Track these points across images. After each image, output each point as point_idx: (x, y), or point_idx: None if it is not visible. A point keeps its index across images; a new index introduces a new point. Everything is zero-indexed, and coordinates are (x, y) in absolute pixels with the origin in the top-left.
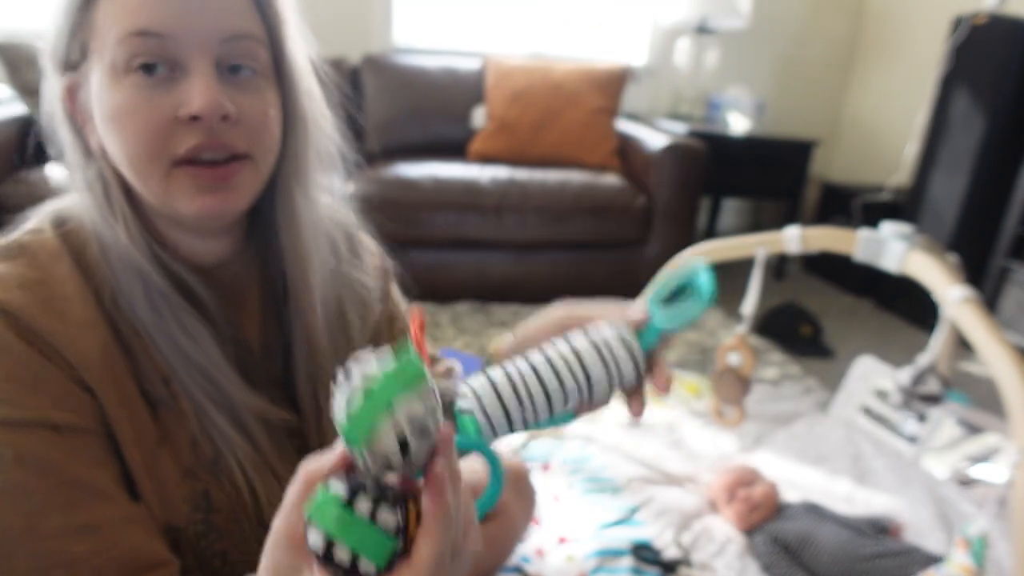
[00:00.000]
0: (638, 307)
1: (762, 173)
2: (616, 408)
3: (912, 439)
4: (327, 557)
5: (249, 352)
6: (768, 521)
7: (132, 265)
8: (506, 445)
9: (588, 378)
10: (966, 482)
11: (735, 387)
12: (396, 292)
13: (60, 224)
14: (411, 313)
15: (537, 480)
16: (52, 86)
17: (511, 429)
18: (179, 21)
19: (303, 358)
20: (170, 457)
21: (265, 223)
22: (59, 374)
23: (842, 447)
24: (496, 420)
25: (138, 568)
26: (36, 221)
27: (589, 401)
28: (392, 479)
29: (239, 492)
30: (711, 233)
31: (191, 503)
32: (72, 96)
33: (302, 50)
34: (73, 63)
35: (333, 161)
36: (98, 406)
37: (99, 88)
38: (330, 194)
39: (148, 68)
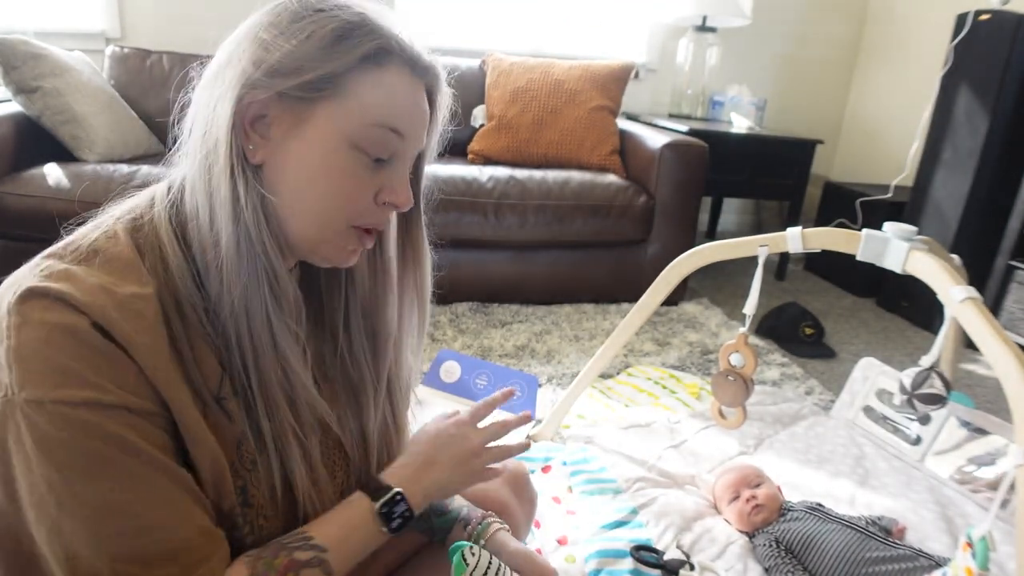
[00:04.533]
0: None
1: (763, 172)
2: (616, 409)
3: (915, 440)
4: None
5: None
6: (770, 523)
7: (264, 268)
8: None
9: None
10: (969, 484)
11: (736, 388)
12: None
13: (134, 230)
14: None
15: (537, 481)
16: (232, 90)
17: None
18: (415, 132)
19: (346, 373)
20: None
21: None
22: (134, 367)
23: (844, 448)
24: None
25: (211, 538)
26: (109, 225)
27: None
28: None
29: (273, 489)
30: (712, 233)
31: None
32: (245, 108)
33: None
34: (281, 91)
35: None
36: (164, 403)
37: (318, 142)
38: None
39: (378, 159)
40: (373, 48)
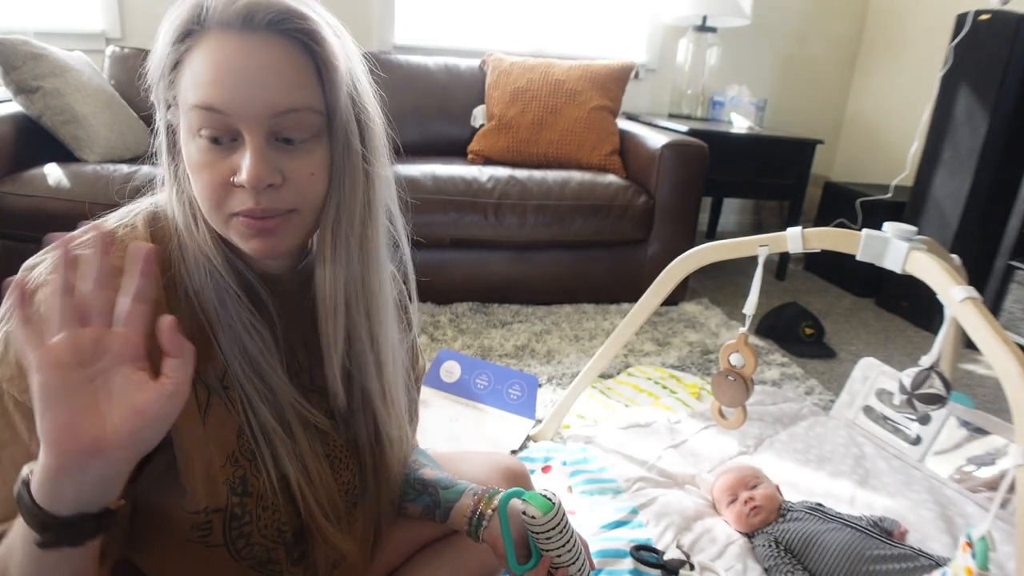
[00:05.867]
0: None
1: (763, 172)
2: (616, 409)
3: (915, 440)
4: None
5: (295, 358)
6: (769, 523)
7: (206, 267)
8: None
9: None
10: (969, 484)
11: (736, 388)
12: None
13: (152, 222)
14: None
15: (537, 482)
16: (160, 114)
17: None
18: (236, 99)
19: (344, 373)
20: (216, 442)
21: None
22: None
23: (844, 448)
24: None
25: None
26: (132, 216)
27: None
28: None
29: (272, 481)
30: (712, 233)
31: (230, 486)
32: (173, 122)
33: (361, 106)
34: (169, 105)
35: (386, 205)
36: None
37: (182, 137)
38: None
39: (213, 139)
40: (178, 30)
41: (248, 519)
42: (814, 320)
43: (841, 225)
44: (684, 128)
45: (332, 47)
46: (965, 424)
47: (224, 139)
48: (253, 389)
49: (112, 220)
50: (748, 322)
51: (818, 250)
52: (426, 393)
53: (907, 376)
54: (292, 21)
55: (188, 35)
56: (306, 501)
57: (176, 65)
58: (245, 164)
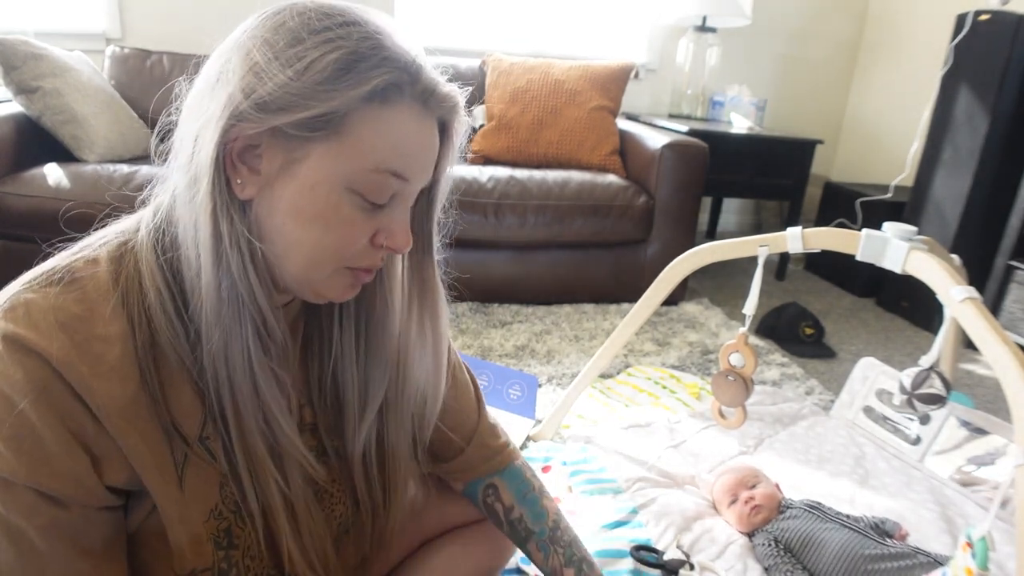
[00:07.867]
0: None
1: (763, 173)
2: (616, 409)
3: (915, 440)
4: None
5: (289, 400)
6: (770, 522)
7: (246, 310)
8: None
9: None
10: (969, 484)
11: (736, 388)
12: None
13: (118, 258)
14: None
15: None
16: (218, 119)
17: None
18: (422, 171)
19: (355, 416)
20: (197, 499)
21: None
22: (70, 446)
23: (844, 448)
24: None
25: None
26: (95, 250)
27: None
28: None
29: (257, 530)
30: (712, 233)
31: (215, 541)
32: (232, 140)
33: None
34: (279, 127)
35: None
36: (120, 454)
37: (310, 184)
38: None
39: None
40: (380, 85)
41: (236, 572)
42: (814, 320)
43: (841, 225)
44: (684, 128)
45: (461, 136)
46: (965, 424)
47: (380, 201)
48: (260, 439)
49: (74, 252)
50: (748, 322)
51: (818, 250)
52: None
53: (907, 376)
54: (459, 114)
55: (385, 93)
56: (292, 561)
57: (343, 113)
58: (399, 231)
